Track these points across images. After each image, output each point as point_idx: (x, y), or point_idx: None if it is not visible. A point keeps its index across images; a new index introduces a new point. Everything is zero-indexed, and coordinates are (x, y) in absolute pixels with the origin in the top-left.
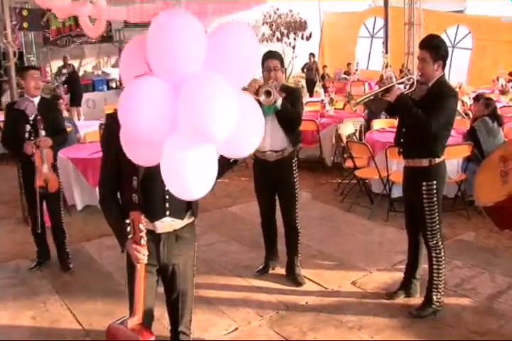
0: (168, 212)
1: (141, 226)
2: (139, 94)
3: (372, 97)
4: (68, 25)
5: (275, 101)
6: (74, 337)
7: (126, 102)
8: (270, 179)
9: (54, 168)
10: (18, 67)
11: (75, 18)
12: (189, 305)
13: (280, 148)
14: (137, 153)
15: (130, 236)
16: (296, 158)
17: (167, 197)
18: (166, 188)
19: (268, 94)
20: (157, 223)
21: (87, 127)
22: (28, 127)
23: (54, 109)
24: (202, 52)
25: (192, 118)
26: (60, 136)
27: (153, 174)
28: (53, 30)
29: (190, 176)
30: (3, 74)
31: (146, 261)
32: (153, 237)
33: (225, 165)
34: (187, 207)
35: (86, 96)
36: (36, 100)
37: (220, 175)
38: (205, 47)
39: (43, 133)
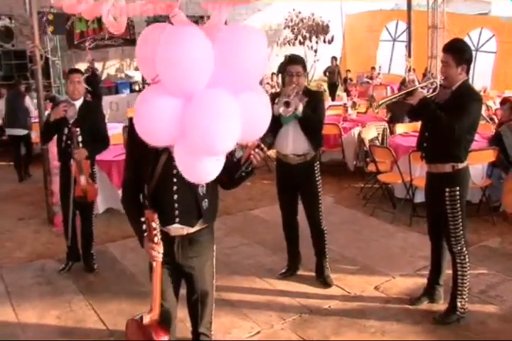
0: (177, 219)
1: (153, 224)
2: (151, 108)
3: (394, 100)
4: (92, 28)
5: (295, 109)
6: (98, 337)
7: (138, 113)
8: (293, 182)
9: (92, 176)
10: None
11: (99, 22)
12: (209, 307)
13: (302, 152)
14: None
15: (146, 234)
16: (318, 162)
17: (176, 205)
18: (176, 197)
19: (287, 105)
20: (169, 227)
21: (111, 129)
22: (66, 130)
23: (95, 114)
24: (209, 69)
25: (197, 135)
26: (99, 144)
27: (165, 183)
28: (77, 34)
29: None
30: (30, 76)
31: (161, 259)
32: (168, 239)
33: (242, 175)
34: (198, 216)
35: (109, 99)
36: (78, 103)
37: (239, 182)
38: (212, 63)
39: (79, 143)
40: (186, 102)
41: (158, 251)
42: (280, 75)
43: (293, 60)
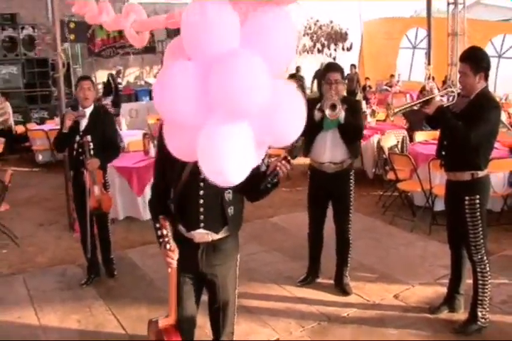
0: (202, 224)
1: (164, 231)
2: (171, 76)
3: (410, 108)
4: (113, 36)
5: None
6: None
7: (159, 85)
8: (326, 190)
9: (105, 185)
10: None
11: (119, 30)
12: (230, 317)
13: (340, 160)
14: (176, 144)
15: (161, 240)
16: (353, 170)
17: (201, 209)
18: (201, 202)
19: (333, 107)
20: (193, 233)
21: (131, 136)
22: (77, 138)
23: (106, 120)
24: (235, 34)
25: (223, 92)
26: (110, 152)
27: (191, 187)
28: (98, 42)
29: (227, 162)
30: (52, 84)
31: (175, 265)
32: (192, 246)
33: (267, 187)
34: (223, 223)
35: (129, 106)
36: (88, 111)
37: (264, 194)
38: (238, 28)
39: (90, 151)
40: (209, 69)
41: (172, 257)
42: (316, 82)
43: (332, 68)
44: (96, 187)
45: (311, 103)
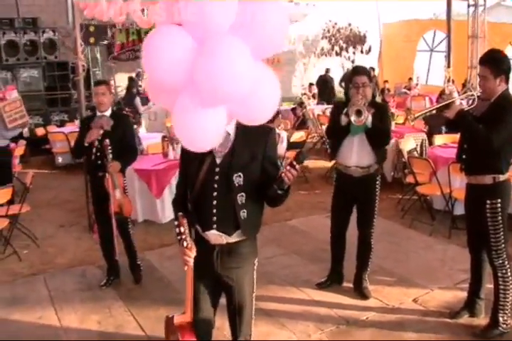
0: (215, 226)
1: (182, 229)
2: (161, 38)
3: (430, 112)
4: (131, 40)
5: (367, 118)
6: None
7: (148, 45)
8: (352, 194)
9: (124, 190)
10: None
11: (138, 33)
12: (247, 319)
13: (366, 164)
14: (159, 97)
15: (178, 237)
16: (380, 175)
17: (214, 211)
18: (215, 203)
19: (359, 113)
20: (208, 234)
21: (150, 139)
22: (96, 143)
23: (123, 124)
24: (231, 12)
25: (207, 79)
26: (129, 155)
27: (206, 188)
28: (117, 45)
29: (198, 135)
30: (72, 87)
31: (192, 263)
32: (208, 247)
33: (278, 193)
34: (235, 226)
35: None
36: (106, 115)
37: (277, 200)
38: (235, 7)
39: (110, 156)
40: (200, 41)
41: (189, 255)
42: (344, 85)
43: (358, 71)
44: (117, 191)
45: (338, 107)
